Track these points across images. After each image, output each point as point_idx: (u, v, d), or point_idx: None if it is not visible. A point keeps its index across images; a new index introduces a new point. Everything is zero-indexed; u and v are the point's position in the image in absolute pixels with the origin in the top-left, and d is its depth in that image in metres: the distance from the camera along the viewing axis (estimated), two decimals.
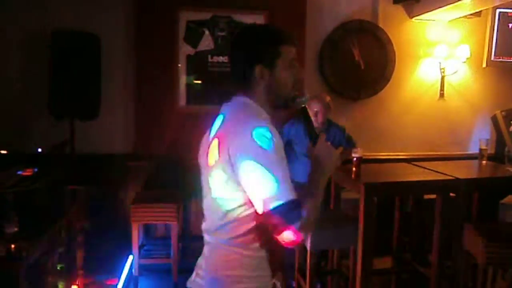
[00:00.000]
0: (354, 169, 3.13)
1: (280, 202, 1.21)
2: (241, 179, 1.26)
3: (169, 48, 3.90)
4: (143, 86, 3.88)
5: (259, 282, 1.36)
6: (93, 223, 3.19)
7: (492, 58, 4.53)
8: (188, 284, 1.47)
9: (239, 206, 1.30)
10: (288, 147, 3.37)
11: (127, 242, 3.48)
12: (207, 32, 3.95)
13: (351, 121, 4.25)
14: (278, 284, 1.45)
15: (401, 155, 4.35)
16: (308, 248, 2.96)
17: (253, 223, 1.31)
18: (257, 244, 1.33)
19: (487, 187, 3.33)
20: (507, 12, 4.49)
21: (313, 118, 3.55)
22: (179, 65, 3.95)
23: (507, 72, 4.66)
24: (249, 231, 1.31)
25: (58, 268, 2.47)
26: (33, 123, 3.71)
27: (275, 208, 1.21)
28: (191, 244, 3.95)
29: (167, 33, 3.87)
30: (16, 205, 2.09)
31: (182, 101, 3.94)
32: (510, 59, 4.57)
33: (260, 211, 1.25)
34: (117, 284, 3.38)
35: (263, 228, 1.29)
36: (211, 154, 1.33)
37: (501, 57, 4.55)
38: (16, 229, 2.01)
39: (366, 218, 2.83)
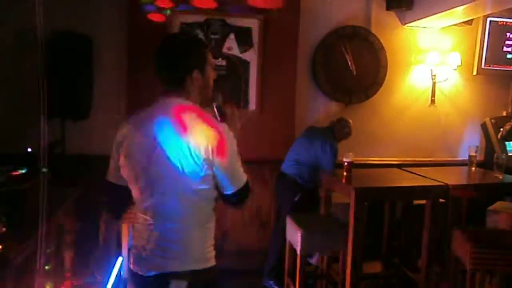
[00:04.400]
0: (345, 173, 3.16)
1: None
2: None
3: None
4: (135, 87, 3.86)
5: None
6: (83, 224, 3.17)
7: (483, 66, 4.59)
8: None
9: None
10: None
11: (117, 243, 3.46)
12: (200, 34, 3.95)
13: None
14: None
15: (392, 160, 4.37)
16: (298, 252, 2.96)
17: None
18: None
19: (476, 193, 3.36)
20: (497, 21, 4.55)
21: (344, 138, 3.76)
22: None
23: (497, 80, 4.72)
24: None
25: (46, 269, 2.45)
26: (24, 123, 3.68)
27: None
28: None
29: (160, 35, 3.85)
30: (4, 205, 2.07)
31: None
32: (500, 67, 4.63)
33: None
34: (105, 286, 3.35)
35: None
36: (182, 152, 1.46)
37: (491, 65, 4.60)
38: (4, 229, 1.99)
39: (356, 222, 2.85)
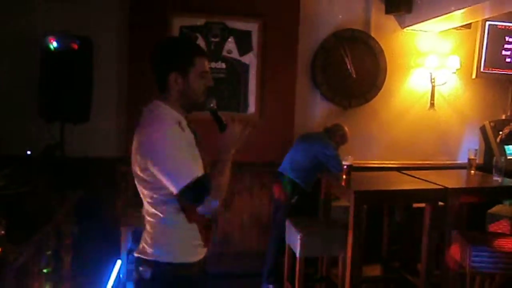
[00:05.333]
0: (344, 177, 3.16)
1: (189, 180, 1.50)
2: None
3: None
4: (135, 90, 3.86)
5: None
6: (82, 227, 3.16)
7: (482, 70, 4.60)
8: None
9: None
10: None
11: (116, 247, 3.46)
12: (200, 37, 3.96)
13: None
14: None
15: (391, 163, 4.37)
16: (298, 255, 2.96)
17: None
18: None
19: (475, 197, 3.37)
20: (496, 25, 4.57)
21: (341, 144, 3.73)
22: None
23: (496, 84, 4.73)
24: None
25: (45, 272, 2.44)
26: (23, 126, 3.68)
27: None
28: None
29: (160, 37, 3.85)
30: (3, 208, 2.06)
31: None
32: (499, 70, 4.64)
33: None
34: None
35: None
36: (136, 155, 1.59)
37: (490, 69, 4.62)
38: (3, 232, 1.99)
39: (355, 225, 2.84)
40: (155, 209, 1.60)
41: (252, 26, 4.02)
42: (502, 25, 4.59)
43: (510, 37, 4.63)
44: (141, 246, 1.68)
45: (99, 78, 3.62)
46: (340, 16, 4.32)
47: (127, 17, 3.87)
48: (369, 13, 4.38)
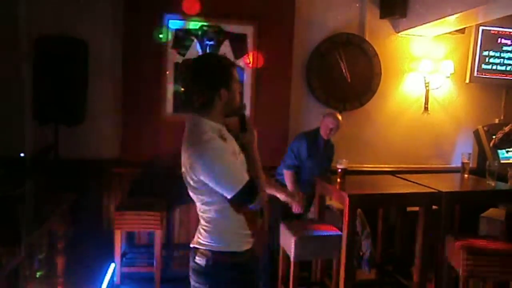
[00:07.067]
0: (338, 180, 3.17)
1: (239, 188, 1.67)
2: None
3: (157, 55, 3.90)
4: (130, 93, 3.86)
5: None
6: (76, 230, 3.15)
7: (475, 74, 4.63)
8: None
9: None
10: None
11: (110, 249, 3.44)
12: (195, 40, 3.96)
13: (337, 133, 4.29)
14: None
15: (385, 167, 4.39)
16: (292, 258, 2.96)
17: None
18: None
19: (468, 200, 3.39)
20: (489, 30, 4.61)
21: (326, 132, 3.61)
22: (167, 72, 3.94)
23: (489, 88, 4.77)
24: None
25: (37, 275, 2.43)
26: (17, 127, 3.66)
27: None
28: (174, 252, 3.92)
29: (155, 40, 3.87)
30: None
31: (169, 108, 3.92)
32: (492, 75, 4.68)
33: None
34: None
35: None
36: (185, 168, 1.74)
37: (483, 74, 4.65)
38: None
39: (349, 229, 2.85)
40: (207, 207, 1.76)
41: (247, 30, 4.02)
42: (495, 30, 4.63)
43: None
44: (196, 238, 1.85)
45: (94, 81, 3.62)
46: (335, 20, 4.33)
47: (122, 20, 3.87)
48: (364, 18, 4.40)
